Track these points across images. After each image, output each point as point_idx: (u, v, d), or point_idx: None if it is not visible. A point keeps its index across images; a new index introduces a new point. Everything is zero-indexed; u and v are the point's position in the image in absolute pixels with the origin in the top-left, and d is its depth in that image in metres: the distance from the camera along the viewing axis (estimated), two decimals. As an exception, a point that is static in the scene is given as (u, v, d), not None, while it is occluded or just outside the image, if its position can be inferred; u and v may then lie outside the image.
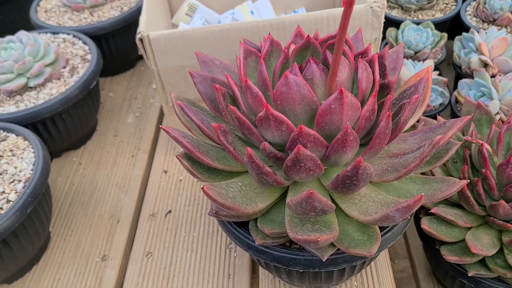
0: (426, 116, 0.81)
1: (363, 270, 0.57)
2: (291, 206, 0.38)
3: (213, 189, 0.39)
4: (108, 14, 0.85)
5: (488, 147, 0.56)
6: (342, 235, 0.42)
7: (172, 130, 0.43)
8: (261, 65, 0.41)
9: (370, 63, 0.43)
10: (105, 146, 0.79)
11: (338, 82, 0.40)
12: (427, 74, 0.51)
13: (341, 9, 0.60)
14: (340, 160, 0.40)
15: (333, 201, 0.43)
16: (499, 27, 0.93)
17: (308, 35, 0.44)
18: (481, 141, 0.56)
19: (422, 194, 0.36)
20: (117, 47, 0.86)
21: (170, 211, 0.67)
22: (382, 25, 0.61)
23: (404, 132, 0.49)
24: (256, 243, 0.42)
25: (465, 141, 0.61)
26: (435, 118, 0.84)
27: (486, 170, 0.55)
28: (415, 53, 0.90)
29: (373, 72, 0.42)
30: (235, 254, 0.60)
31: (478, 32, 0.88)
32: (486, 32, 0.86)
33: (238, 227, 0.46)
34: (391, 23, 0.99)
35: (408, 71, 0.82)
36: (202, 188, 0.37)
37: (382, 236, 0.44)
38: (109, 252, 0.63)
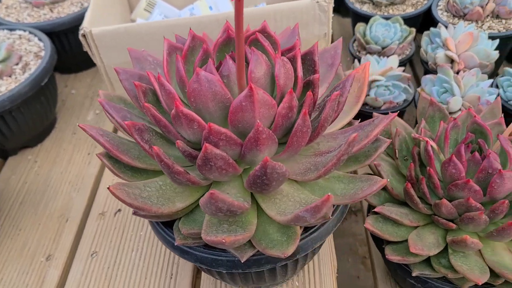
0: (387, 113, 0.80)
1: (306, 269, 0.55)
2: (201, 206, 0.37)
3: (122, 189, 0.38)
4: (68, 10, 0.84)
5: (434, 144, 0.55)
6: (262, 235, 0.41)
7: (90, 128, 0.42)
8: (178, 62, 0.40)
9: (293, 59, 0.42)
10: (62, 144, 0.78)
11: (254, 78, 0.39)
12: (363, 71, 0.50)
13: (292, 3, 0.59)
14: (257, 159, 0.39)
15: (255, 201, 0.42)
16: (470, 22, 0.91)
17: (229, 31, 0.42)
18: (426, 139, 0.55)
19: (330, 194, 0.34)
20: (78, 43, 0.85)
21: (119, 210, 0.66)
22: (331, 19, 0.60)
23: (339, 129, 0.48)
24: (176, 243, 0.41)
25: (413, 138, 0.60)
26: (399, 115, 0.83)
27: (430, 168, 0.54)
28: (382, 48, 0.88)
29: (295, 69, 0.41)
30: (180, 254, 0.59)
31: (446, 27, 0.86)
32: (454, 27, 0.85)
33: (165, 227, 0.45)
34: (362, 18, 0.98)
35: (372, 67, 0.81)
36: (108, 188, 0.36)
37: (308, 236, 0.43)
38: (54, 251, 0.62)
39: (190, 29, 0.43)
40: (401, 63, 0.89)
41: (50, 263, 0.61)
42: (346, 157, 0.39)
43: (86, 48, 0.61)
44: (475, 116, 0.55)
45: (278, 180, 0.37)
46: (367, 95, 0.80)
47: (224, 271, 0.43)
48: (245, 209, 0.37)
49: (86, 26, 0.59)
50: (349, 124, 0.50)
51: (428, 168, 0.54)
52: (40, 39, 0.77)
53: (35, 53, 0.74)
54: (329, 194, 0.34)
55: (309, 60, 0.45)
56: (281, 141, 0.41)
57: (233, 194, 0.41)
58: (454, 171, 0.51)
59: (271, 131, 0.37)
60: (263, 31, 0.43)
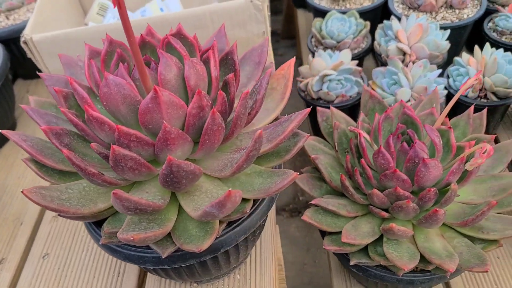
0: (343, 105, 0.81)
1: (248, 263, 0.57)
2: (113, 205, 0.39)
3: (37, 192, 0.39)
4: (24, 16, 0.85)
5: (366, 136, 0.57)
6: (182, 232, 0.42)
7: (13, 134, 0.43)
8: (92, 67, 0.41)
9: (207, 60, 0.43)
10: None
11: (164, 80, 0.40)
12: (288, 68, 0.52)
13: (226, 4, 0.60)
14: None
15: (176, 198, 0.43)
16: (424, 13, 0.93)
17: (142, 35, 0.44)
18: (359, 131, 0.56)
19: (231, 190, 0.36)
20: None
21: (73, 212, 0.67)
22: (267, 18, 0.61)
23: (265, 125, 0.49)
24: (100, 242, 0.43)
25: (350, 131, 0.61)
26: (352, 108, 0.85)
27: (363, 159, 0.55)
28: (337, 43, 0.90)
29: (209, 69, 0.43)
30: (129, 252, 0.61)
31: (400, 19, 0.87)
32: (407, 19, 0.86)
33: (96, 227, 0.47)
34: (321, 13, 0.99)
35: (325, 62, 0.82)
36: (22, 191, 0.38)
37: (231, 230, 0.45)
38: (7, 255, 0.64)
39: (107, 34, 0.44)
40: (357, 57, 0.91)
41: (2, 267, 0.62)
42: (256, 153, 0.40)
43: (29, 55, 0.62)
44: (404, 108, 0.57)
45: (188, 178, 0.39)
46: (320, 89, 0.81)
47: (151, 267, 0.45)
48: (156, 207, 0.39)
49: (27, 33, 0.60)
50: (276, 119, 0.51)
51: (361, 159, 0.55)
52: (-7, 46, 0.79)
53: (-12, 60, 0.75)
54: (231, 190, 0.36)
55: (230, 60, 0.47)
56: (197, 139, 0.42)
57: (152, 193, 0.42)
58: (383, 161, 0.53)
59: (181, 131, 0.39)
60: (179, 33, 0.44)
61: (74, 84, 0.40)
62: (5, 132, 0.43)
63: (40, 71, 0.94)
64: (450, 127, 0.54)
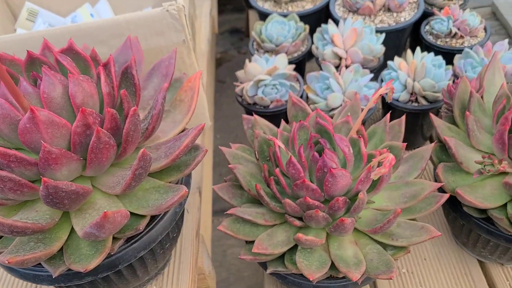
0: (278, 111, 0.82)
1: (166, 273, 0.57)
2: (-6, 227, 0.38)
3: None
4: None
5: (282, 145, 0.57)
6: (74, 250, 0.42)
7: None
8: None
9: (98, 76, 0.43)
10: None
11: (47, 99, 0.40)
12: (194, 80, 0.52)
13: (142, 13, 0.60)
14: (55, 178, 0.40)
15: (69, 217, 0.43)
16: (363, 16, 0.94)
17: (29, 52, 0.43)
18: (274, 139, 0.56)
19: (107, 211, 0.36)
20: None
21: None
22: (186, 27, 0.61)
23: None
24: (-6, 263, 0.42)
25: (268, 140, 0.62)
26: (285, 113, 0.85)
27: (277, 168, 0.56)
28: (276, 46, 0.90)
29: (100, 85, 0.42)
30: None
31: (337, 23, 0.88)
32: (344, 23, 0.86)
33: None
34: (264, 16, 0.99)
35: (260, 67, 0.82)
36: None
37: (129, 246, 0.45)
38: None
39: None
40: (297, 60, 0.91)
41: None
42: (144, 171, 0.40)
43: None
44: (317, 117, 0.57)
45: (70, 198, 0.38)
46: (255, 94, 0.82)
47: (48, 285, 0.45)
48: (37, 229, 0.38)
49: None
50: (184, 131, 0.51)
51: (275, 169, 0.56)
52: None
53: None
54: (106, 211, 0.36)
55: (129, 74, 0.46)
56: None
57: (42, 212, 0.42)
58: (294, 171, 0.53)
59: (64, 150, 0.39)
60: (71, 49, 0.44)
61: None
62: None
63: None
64: (360, 136, 0.54)
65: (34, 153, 0.40)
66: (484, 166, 0.54)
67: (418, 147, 0.84)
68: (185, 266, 0.57)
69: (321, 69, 0.91)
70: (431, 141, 0.88)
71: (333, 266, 0.53)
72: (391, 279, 0.51)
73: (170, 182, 0.46)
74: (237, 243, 1.23)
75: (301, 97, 0.82)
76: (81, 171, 0.42)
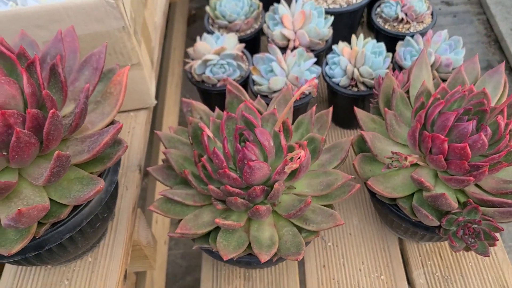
0: (224, 89, 0.85)
1: (101, 246, 0.63)
2: None
3: None
4: None
5: (210, 133, 0.61)
6: (1, 235, 0.47)
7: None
8: None
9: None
10: None
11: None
12: (122, 75, 0.55)
13: (80, 0, 0.61)
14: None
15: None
16: (317, -4, 0.95)
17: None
18: (204, 127, 0.61)
19: (21, 208, 0.40)
20: None
21: None
22: (125, 13, 0.63)
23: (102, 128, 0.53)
24: None
25: (199, 127, 0.66)
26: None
27: (203, 156, 0.60)
28: (229, 23, 0.92)
29: (23, 86, 0.46)
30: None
31: (290, 2, 0.90)
32: (296, 3, 0.88)
33: None
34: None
35: (209, 44, 0.85)
36: None
37: (55, 229, 0.50)
38: None
39: None
40: (250, 37, 0.93)
41: None
42: (61, 169, 0.44)
43: None
44: (243, 111, 0.61)
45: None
46: (203, 73, 0.85)
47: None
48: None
49: None
50: (112, 122, 0.55)
51: (202, 156, 0.60)
52: None
53: None
54: (21, 208, 0.40)
55: (55, 71, 0.50)
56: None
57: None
58: (217, 161, 0.58)
59: (-11, 148, 0.42)
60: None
61: None
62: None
63: None
64: (280, 131, 0.59)
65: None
66: (392, 161, 0.59)
67: (357, 129, 0.89)
68: (120, 239, 0.63)
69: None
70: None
71: (249, 246, 0.59)
72: (297, 260, 0.57)
73: (95, 172, 0.51)
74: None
75: (248, 77, 0.86)
76: (6, 163, 0.46)
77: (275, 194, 0.57)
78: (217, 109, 0.66)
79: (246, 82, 0.86)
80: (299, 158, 0.54)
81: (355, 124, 0.88)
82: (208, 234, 0.63)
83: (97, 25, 0.64)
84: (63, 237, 0.50)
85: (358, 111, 0.67)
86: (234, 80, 0.86)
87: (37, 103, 0.47)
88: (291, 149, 0.60)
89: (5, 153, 0.44)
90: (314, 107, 0.65)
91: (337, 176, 0.61)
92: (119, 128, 0.47)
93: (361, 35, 0.83)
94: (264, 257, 0.55)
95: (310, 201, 0.56)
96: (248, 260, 0.63)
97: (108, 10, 0.62)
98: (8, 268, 0.62)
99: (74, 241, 0.54)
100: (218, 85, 0.85)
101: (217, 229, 0.62)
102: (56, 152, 0.42)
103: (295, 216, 0.59)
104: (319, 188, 0.62)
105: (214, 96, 0.86)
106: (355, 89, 0.82)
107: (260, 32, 0.95)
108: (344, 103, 0.84)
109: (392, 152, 0.60)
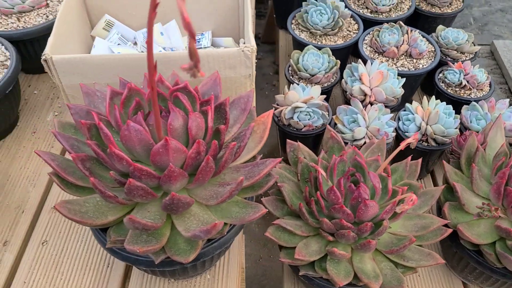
0: (308, 134, 0.95)
1: (218, 266, 0.70)
2: (125, 224, 0.50)
3: (65, 207, 0.50)
4: (34, 20, 0.94)
5: (324, 173, 0.70)
6: (173, 244, 0.55)
7: (43, 154, 0.54)
8: (115, 110, 0.53)
9: (206, 112, 0.55)
10: (22, 141, 0.89)
11: (172, 129, 0.52)
12: (267, 117, 0.64)
13: (222, 50, 0.72)
14: (171, 188, 0.52)
15: (170, 217, 0.56)
16: (387, 58, 1.07)
17: (154, 87, 0.55)
18: (318, 168, 0.69)
19: (217, 222, 0.48)
20: (42, 49, 0.95)
21: (69, 206, 0.78)
22: (254, 64, 0.73)
23: (243, 163, 0.62)
24: (106, 246, 0.55)
25: (311, 166, 0.75)
26: (316, 136, 0.98)
27: (318, 192, 0.69)
28: (311, 76, 1.03)
29: (206, 121, 0.55)
30: (117, 247, 0.73)
31: (365, 62, 1.01)
32: (371, 64, 1.00)
33: (102, 231, 0.58)
34: (299, 44, 1.11)
35: (297, 93, 0.95)
36: (54, 207, 0.49)
37: (209, 245, 0.57)
38: (10, 238, 0.74)
39: (128, 83, 0.55)
40: (327, 89, 1.04)
41: (6, 248, 0.73)
42: (237, 192, 0.53)
43: (46, 70, 0.72)
44: (355, 155, 0.70)
45: (183, 207, 0.51)
46: (291, 118, 0.94)
47: (144, 268, 0.57)
48: (157, 227, 0.51)
49: (47, 52, 0.70)
50: (254, 158, 0.64)
51: (317, 192, 0.69)
52: (6, 48, 0.87)
53: (1, 61, 0.84)
54: (216, 222, 0.48)
55: (222, 110, 0.59)
56: (193, 173, 0.54)
57: (153, 212, 0.54)
58: (334, 197, 0.66)
59: (181, 170, 0.51)
60: (185, 88, 0.56)
61: (101, 125, 0.51)
62: (38, 152, 0.54)
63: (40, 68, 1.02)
64: (389, 176, 0.68)
65: (157, 169, 0.52)
66: (483, 211, 0.68)
67: (421, 178, 0.98)
68: (233, 261, 0.70)
69: (344, 101, 1.04)
70: (431, 174, 1.02)
71: (355, 276, 0.67)
72: (401, 292, 0.64)
73: (247, 198, 0.59)
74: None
75: (329, 124, 0.95)
76: (186, 184, 0.54)
77: (382, 231, 0.66)
78: (322, 152, 0.75)
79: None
80: (411, 200, 0.63)
81: (422, 173, 0.97)
82: (312, 263, 0.70)
83: (229, 71, 0.74)
84: (214, 252, 0.58)
85: (446, 165, 0.76)
86: (316, 127, 0.96)
87: (211, 135, 0.56)
88: (394, 192, 0.69)
89: (188, 175, 0.53)
90: (410, 157, 0.74)
91: (432, 220, 0.70)
92: (278, 162, 0.56)
93: (433, 97, 0.93)
94: (375, 286, 0.63)
95: (414, 239, 0.64)
96: (347, 290, 0.71)
97: (242, 60, 0.72)
98: (135, 275, 0.68)
99: (212, 258, 0.62)
100: (303, 129, 0.94)
101: (323, 258, 0.69)
102: (241, 178, 0.51)
103: (396, 253, 0.67)
104: (413, 229, 0.70)
105: (298, 139, 0.96)
106: (425, 144, 0.92)
107: (334, 85, 1.06)
108: (414, 156, 0.93)
109: (483, 203, 0.69)
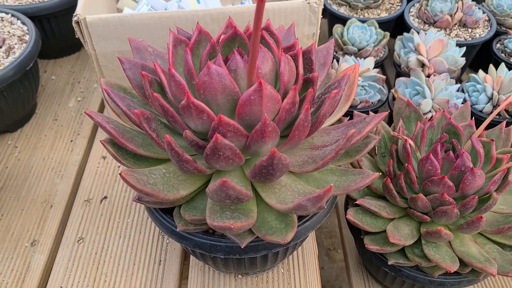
0: (365, 111, 0.84)
1: (291, 258, 0.58)
2: (208, 193, 0.39)
3: (132, 175, 0.39)
4: (51, -6, 0.83)
5: (412, 142, 0.59)
6: (261, 223, 0.43)
7: (96, 115, 0.43)
8: (186, 54, 0.42)
9: (295, 57, 0.44)
10: (43, 130, 0.78)
11: (260, 74, 0.41)
12: (353, 71, 0.54)
13: (284, 3, 0.61)
14: (260, 150, 0.41)
15: (254, 190, 0.44)
16: (439, 29, 0.97)
17: (235, 27, 0.44)
18: (405, 137, 0.59)
19: (332, 184, 0.37)
20: (60, 29, 0.84)
21: (105, 197, 0.66)
22: (320, 20, 0.63)
23: (330, 125, 0.51)
24: (178, 229, 0.43)
25: (392, 136, 0.64)
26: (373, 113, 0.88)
27: (408, 164, 0.58)
28: (359, 50, 0.92)
29: (297, 66, 0.44)
30: (167, 241, 0.61)
31: (418, 32, 0.91)
32: (425, 33, 0.90)
33: (164, 213, 0.47)
34: (338, 19, 1.02)
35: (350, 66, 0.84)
36: (120, 173, 0.38)
37: (301, 225, 0.46)
38: (39, 237, 0.62)
39: (198, 23, 0.45)
40: (375, 65, 0.94)
41: (35, 249, 0.61)
42: (344, 151, 0.42)
43: (78, 35, 0.61)
44: (449, 118, 0.60)
45: (281, 171, 0.40)
46: (345, 94, 0.84)
47: (222, 256, 0.46)
48: (250, 198, 0.39)
49: (80, 13, 0.59)
50: (339, 120, 0.53)
51: (406, 164, 0.58)
52: (23, 23, 0.76)
53: (19, 36, 0.73)
54: (331, 185, 0.37)
55: (306, 59, 0.48)
56: (282, 134, 0.43)
57: (236, 183, 0.43)
58: (430, 168, 0.55)
59: (275, 124, 0.40)
60: (267, 29, 0.45)
61: (173, 70, 0.40)
62: (89, 112, 0.43)
63: (66, 52, 0.92)
64: (492, 140, 0.57)
65: (243, 125, 0.41)
66: None
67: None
68: (309, 251, 0.59)
69: (397, 75, 0.94)
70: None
71: (461, 262, 0.56)
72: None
73: (342, 165, 0.48)
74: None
75: (387, 100, 0.85)
76: (276, 147, 0.43)
77: (491, 205, 0.55)
78: (400, 121, 0.65)
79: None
80: (529, 165, 0.52)
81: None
82: (402, 250, 0.59)
83: (291, 30, 0.63)
84: (306, 233, 0.46)
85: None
86: (372, 103, 0.85)
87: (301, 86, 0.45)
88: (498, 160, 0.58)
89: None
90: (504, 122, 0.64)
91: (541, 191, 0.59)
92: (384, 116, 0.45)
93: (502, 64, 0.84)
94: (493, 271, 0.52)
95: (532, 213, 0.53)
96: (442, 281, 0.59)
97: (307, 15, 0.62)
98: (195, 272, 0.57)
99: (295, 243, 0.50)
100: (359, 106, 0.84)
101: (416, 243, 0.58)
102: (352, 130, 0.40)
103: (505, 232, 0.56)
104: (518, 205, 0.60)
105: (351, 118, 0.85)
106: (497, 116, 0.82)
107: (384, 60, 0.96)
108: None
109: None
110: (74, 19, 0.59)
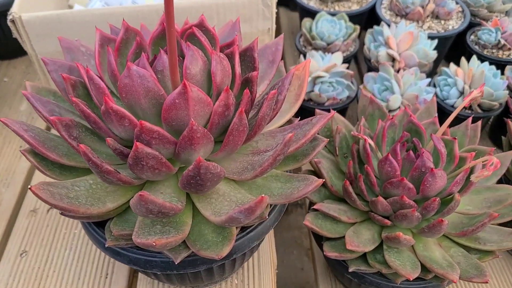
0: (333, 109, 0.81)
1: (246, 267, 0.55)
2: (132, 208, 0.36)
3: (45, 189, 0.35)
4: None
5: (372, 142, 0.56)
6: (198, 236, 0.40)
7: (12, 123, 0.39)
8: (109, 55, 0.38)
9: (231, 55, 0.41)
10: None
11: (189, 75, 0.37)
12: (302, 69, 0.50)
13: (233, -3, 0.58)
14: (191, 158, 0.38)
15: (191, 200, 0.41)
16: (411, 21, 0.94)
17: (164, 23, 0.41)
18: (365, 137, 0.56)
19: (264, 195, 0.34)
20: (10, 29, 0.80)
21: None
22: (274, 15, 0.59)
23: (278, 127, 0.48)
24: (106, 245, 0.40)
25: (353, 136, 0.61)
26: (341, 111, 0.84)
27: (368, 166, 0.55)
28: (328, 44, 0.89)
29: (233, 65, 0.40)
30: (116, 252, 0.57)
31: (389, 25, 0.88)
32: (396, 26, 0.86)
33: (97, 227, 0.43)
34: (309, 13, 0.98)
35: (317, 63, 0.81)
36: (29, 188, 0.34)
37: (245, 235, 0.43)
38: (-21, 251, 0.58)
39: (124, 20, 0.41)
40: (345, 60, 0.90)
41: (-26, 264, 0.57)
42: (283, 157, 0.38)
43: (15, 35, 0.57)
44: (410, 116, 0.57)
45: (212, 181, 0.36)
46: (312, 91, 0.80)
47: (159, 273, 0.42)
48: (178, 210, 0.36)
49: (15, 11, 0.55)
50: (289, 121, 0.49)
51: (365, 166, 0.55)
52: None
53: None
54: (263, 195, 0.34)
55: (248, 57, 0.44)
56: (218, 140, 0.40)
57: (168, 194, 0.39)
58: (389, 169, 0.52)
59: (206, 130, 0.36)
60: (201, 25, 0.42)
61: (91, 73, 0.36)
62: (3, 119, 0.39)
63: (21, 52, 0.88)
64: (454, 138, 0.54)
65: (170, 131, 0.37)
66: None
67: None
68: (266, 259, 0.56)
69: (368, 70, 0.91)
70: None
71: (422, 267, 0.53)
72: (487, 282, 0.51)
73: (287, 171, 0.45)
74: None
75: (356, 96, 0.82)
76: (211, 154, 0.40)
77: (453, 207, 0.52)
78: (362, 119, 0.61)
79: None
80: (492, 165, 0.49)
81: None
82: (363, 255, 0.56)
83: (243, 25, 0.60)
84: (251, 244, 0.43)
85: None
86: (340, 100, 0.82)
87: (239, 86, 0.41)
88: (462, 160, 0.55)
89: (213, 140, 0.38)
90: (470, 118, 0.61)
91: (508, 191, 0.56)
92: (331, 117, 0.42)
93: (474, 57, 0.81)
94: (454, 277, 0.49)
95: (496, 215, 0.51)
96: (406, 287, 0.56)
97: (260, 9, 0.58)
98: (143, 285, 0.53)
99: (244, 255, 0.47)
100: (326, 104, 0.80)
101: (377, 248, 0.55)
102: (289, 135, 0.36)
103: (469, 234, 0.53)
104: (484, 205, 0.57)
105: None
106: (469, 111, 0.79)
107: (354, 55, 0.92)
108: (455, 125, 0.80)
109: None
110: (9, 17, 0.55)
